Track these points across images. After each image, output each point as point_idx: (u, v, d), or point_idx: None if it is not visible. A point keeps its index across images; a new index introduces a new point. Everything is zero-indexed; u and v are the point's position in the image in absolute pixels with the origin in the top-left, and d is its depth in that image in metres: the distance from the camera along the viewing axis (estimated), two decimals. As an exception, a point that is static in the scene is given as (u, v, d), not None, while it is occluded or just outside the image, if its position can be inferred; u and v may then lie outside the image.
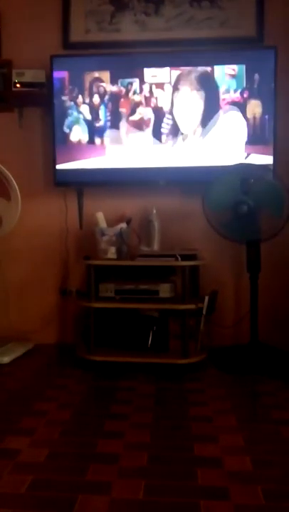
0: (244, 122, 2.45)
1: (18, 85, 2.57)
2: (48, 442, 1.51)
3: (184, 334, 2.24)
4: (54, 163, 2.57)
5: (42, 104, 2.61)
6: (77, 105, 2.53)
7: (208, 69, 2.45)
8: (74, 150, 2.56)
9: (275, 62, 2.40)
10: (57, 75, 2.53)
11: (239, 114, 2.45)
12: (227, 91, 2.45)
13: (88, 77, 2.53)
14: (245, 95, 2.44)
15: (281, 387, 2.01)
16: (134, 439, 1.53)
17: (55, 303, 2.71)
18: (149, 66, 2.48)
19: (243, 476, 1.30)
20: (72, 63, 2.54)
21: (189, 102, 2.48)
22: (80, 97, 2.53)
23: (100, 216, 2.46)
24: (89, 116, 2.54)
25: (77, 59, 2.56)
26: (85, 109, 2.54)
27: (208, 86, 2.46)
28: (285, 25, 2.53)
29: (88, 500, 1.18)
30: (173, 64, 2.47)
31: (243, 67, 2.43)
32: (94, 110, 2.53)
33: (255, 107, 2.44)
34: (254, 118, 2.44)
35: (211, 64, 2.45)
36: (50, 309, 2.71)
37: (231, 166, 2.35)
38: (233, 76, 2.44)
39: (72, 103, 2.53)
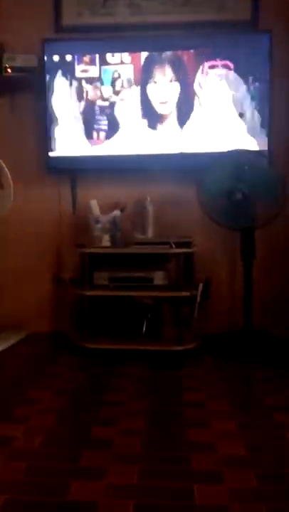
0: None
1: (9, 70, 2.52)
2: (43, 429, 1.51)
3: (178, 321, 2.25)
4: (47, 150, 2.54)
5: (34, 90, 2.56)
6: (69, 90, 2.50)
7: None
8: (66, 136, 2.52)
9: (269, 46, 2.38)
10: (49, 59, 2.49)
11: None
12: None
13: (80, 62, 2.48)
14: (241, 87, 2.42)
15: (274, 373, 2.02)
16: (129, 425, 1.54)
17: (49, 291, 2.70)
18: (142, 50, 2.45)
19: (236, 460, 1.31)
20: (65, 47, 2.50)
21: (178, 88, 2.45)
22: (72, 82, 2.49)
23: (94, 203, 2.44)
24: (81, 103, 2.50)
25: (70, 43, 2.52)
26: (77, 95, 2.50)
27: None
28: (280, 9, 2.50)
29: (83, 486, 1.19)
30: (166, 48, 2.43)
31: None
32: (86, 97, 2.50)
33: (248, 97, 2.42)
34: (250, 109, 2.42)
35: (207, 46, 2.41)
36: (44, 297, 2.70)
37: (226, 152, 2.33)
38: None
39: (64, 88, 2.50)
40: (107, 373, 2.04)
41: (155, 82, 2.46)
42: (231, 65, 2.42)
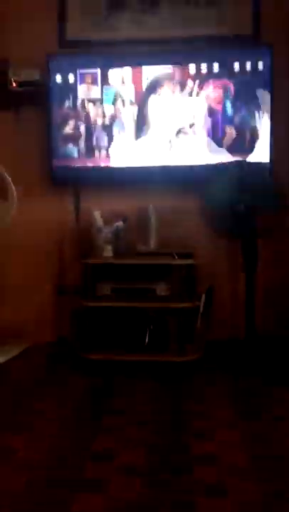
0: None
1: (14, 84, 2.56)
2: (46, 440, 1.50)
3: (181, 332, 2.24)
4: (51, 162, 2.56)
5: (38, 103, 2.60)
6: (73, 103, 2.53)
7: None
8: (70, 148, 2.55)
9: (271, 60, 2.41)
10: (53, 73, 2.52)
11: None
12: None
13: (84, 76, 2.52)
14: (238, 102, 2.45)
15: (279, 383, 2.01)
16: (132, 436, 1.53)
17: (51, 301, 2.71)
18: (145, 64, 2.48)
19: (240, 472, 1.30)
20: (68, 62, 2.54)
21: (184, 101, 2.48)
22: (76, 95, 2.53)
23: (97, 214, 2.45)
24: (86, 115, 2.54)
25: (73, 57, 2.56)
26: (81, 108, 2.53)
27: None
28: (282, 22, 2.54)
29: (86, 498, 1.18)
30: (169, 62, 2.47)
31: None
32: (90, 109, 2.53)
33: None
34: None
35: (209, 61, 2.45)
36: (46, 308, 2.71)
37: (228, 163, 2.35)
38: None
39: (68, 102, 2.53)
40: (109, 384, 2.03)
41: (159, 95, 2.49)
42: (232, 80, 2.45)
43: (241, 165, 2.35)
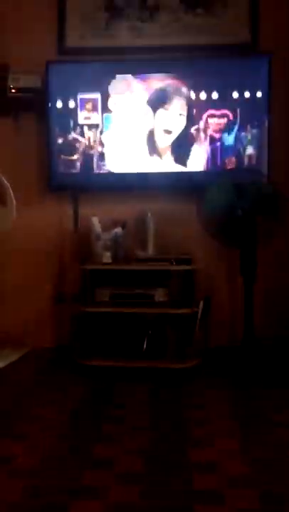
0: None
1: (13, 90, 2.57)
2: (44, 447, 1.50)
3: (179, 338, 2.24)
4: (49, 168, 2.57)
5: (37, 110, 2.61)
6: (72, 110, 2.54)
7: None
8: (69, 155, 2.56)
9: (269, 68, 2.43)
10: (52, 79, 2.54)
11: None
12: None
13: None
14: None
15: (277, 389, 2.01)
16: (130, 443, 1.53)
17: (50, 307, 2.71)
18: (144, 72, 2.50)
19: (239, 479, 1.30)
20: (68, 69, 2.56)
21: (183, 109, 2.50)
22: (75, 102, 2.54)
23: (95, 221, 2.46)
24: (84, 122, 2.55)
25: (73, 64, 2.57)
26: (80, 115, 2.55)
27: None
28: (280, 31, 2.56)
29: (84, 506, 1.18)
30: (168, 70, 2.49)
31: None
32: (89, 115, 2.54)
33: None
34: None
35: (205, 70, 2.47)
36: (45, 314, 2.70)
37: (226, 170, 2.37)
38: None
39: (67, 108, 2.54)
40: (108, 390, 2.03)
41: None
42: (231, 88, 2.47)
43: (238, 170, 2.36)
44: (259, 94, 2.44)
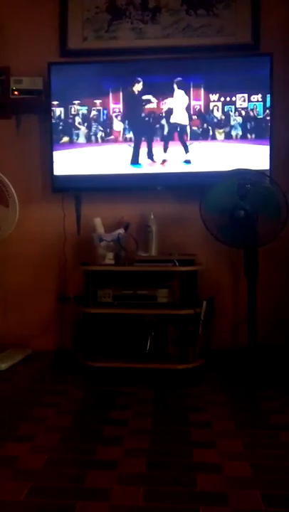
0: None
1: (15, 92, 2.58)
2: (47, 449, 1.50)
3: (182, 339, 2.24)
4: (52, 170, 2.58)
5: (40, 111, 2.62)
6: (74, 112, 2.55)
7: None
8: (72, 156, 2.57)
9: (271, 69, 2.43)
10: (54, 82, 2.54)
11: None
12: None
13: (86, 85, 2.54)
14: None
15: (279, 392, 2.01)
16: (133, 445, 1.53)
17: (53, 309, 2.71)
18: (146, 73, 2.50)
19: (242, 481, 1.30)
20: (70, 71, 2.56)
21: (185, 108, 2.50)
22: (77, 103, 2.54)
23: (98, 222, 2.46)
24: (86, 123, 2.55)
25: (75, 66, 2.58)
26: (82, 116, 2.55)
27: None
28: (281, 31, 2.56)
29: (87, 507, 1.18)
30: (170, 71, 2.49)
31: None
32: (91, 117, 2.55)
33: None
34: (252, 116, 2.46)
35: (208, 71, 2.47)
36: (48, 315, 2.71)
37: (228, 171, 2.36)
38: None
39: (69, 110, 2.55)
40: (111, 392, 2.03)
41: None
42: (234, 89, 2.47)
43: (241, 171, 2.35)
44: (260, 94, 2.44)
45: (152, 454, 1.46)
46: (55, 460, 1.43)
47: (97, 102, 2.53)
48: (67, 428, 1.67)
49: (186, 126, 2.51)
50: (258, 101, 2.46)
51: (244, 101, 2.46)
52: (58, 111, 2.55)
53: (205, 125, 2.50)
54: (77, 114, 2.55)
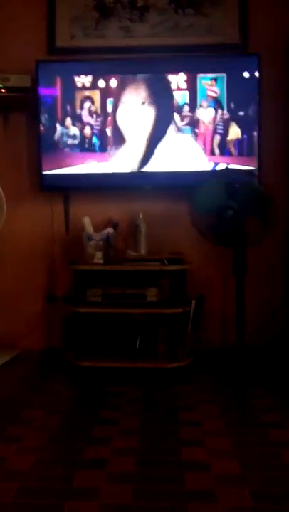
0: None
1: (3, 90, 2.55)
2: (35, 449, 1.49)
3: (171, 338, 2.24)
4: (40, 168, 2.56)
5: (27, 109, 2.60)
6: (62, 110, 2.53)
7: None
8: (60, 155, 2.55)
9: (258, 69, 2.44)
10: (42, 79, 2.52)
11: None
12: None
13: (74, 83, 2.53)
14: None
15: (269, 390, 2.02)
16: (122, 444, 1.53)
17: (41, 308, 2.69)
18: (134, 72, 2.50)
19: (230, 479, 1.30)
20: (58, 68, 2.55)
21: (173, 109, 2.50)
22: (66, 101, 2.53)
23: (87, 221, 2.45)
24: (74, 122, 2.54)
25: (63, 64, 2.57)
26: (70, 115, 2.54)
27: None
28: (269, 32, 2.57)
29: (76, 507, 1.17)
30: (157, 70, 2.49)
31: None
32: (79, 116, 2.54)
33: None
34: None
35: (195, 71, 2.47)
36: (36, 315, 2.69)
37: (217, 170, 2.37)
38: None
39: (58, 108, 2.53)
40: (100, 391, 2.03)
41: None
42: (219, 89, 2.48)
43: (229, 171, 2.36)
44: (249, 94, 2.45)
45: (141, 453, 1.46)
46: (43, 460, 1.42)
47: (85, 99, 2.52)
48: (56, 428, 1.66)
49: (174, 124, 2.50)
50: (245, 100, 2.46)
51: (232, 100, 2.47)
52: (46, 108, 2.53)
53: (193, 125, 2.50)
54: (66, 112, 2.53)
